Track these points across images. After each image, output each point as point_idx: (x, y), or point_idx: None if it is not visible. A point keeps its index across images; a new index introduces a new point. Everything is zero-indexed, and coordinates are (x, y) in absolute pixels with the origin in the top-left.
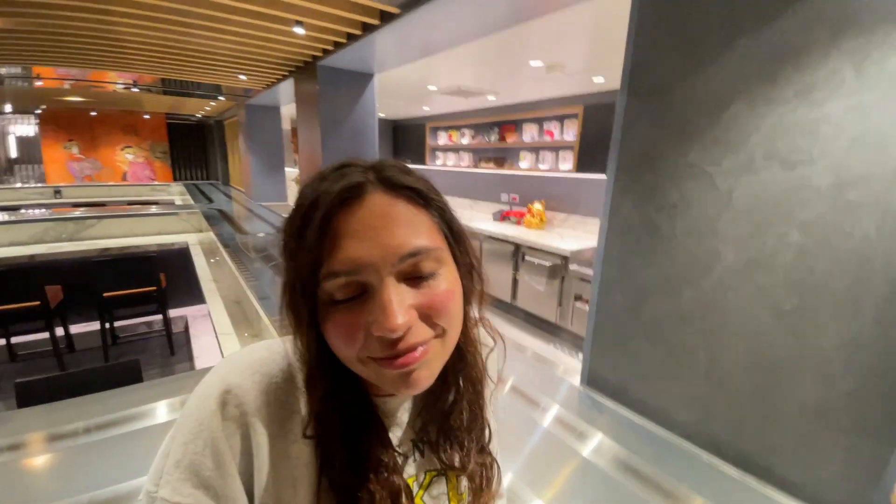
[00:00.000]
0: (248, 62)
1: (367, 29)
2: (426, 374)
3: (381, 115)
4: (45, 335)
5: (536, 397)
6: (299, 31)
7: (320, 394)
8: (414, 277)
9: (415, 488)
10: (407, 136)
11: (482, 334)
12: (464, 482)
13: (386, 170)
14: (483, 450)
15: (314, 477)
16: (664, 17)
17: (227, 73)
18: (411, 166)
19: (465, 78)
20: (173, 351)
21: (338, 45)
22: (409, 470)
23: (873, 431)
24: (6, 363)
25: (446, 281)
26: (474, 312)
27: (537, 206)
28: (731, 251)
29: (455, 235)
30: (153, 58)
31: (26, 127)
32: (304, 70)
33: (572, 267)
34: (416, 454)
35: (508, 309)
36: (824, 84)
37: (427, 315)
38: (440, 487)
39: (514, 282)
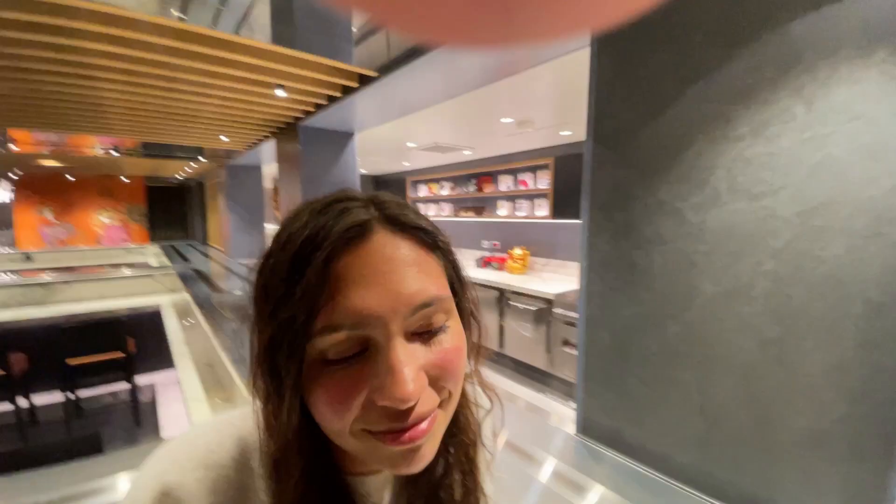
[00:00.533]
0: (230, 124)
1: (347, 91)
2: (430, 450)
3: (363, 170)
4: (9, 406)
5: (531, 451)
6: (281, 94)
7: (294, 480)
8: (423, 335)
9: None
10: (388, 190)
11: (478, 393)
12: None
13: (388, 206)
14: None
15: None
16: (621, 68)
17: (210, 135)
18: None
19: (441, 135)
20: (139, 421)
21: (319, 107)
22: None
23: (869, 456)
24: None
25: (454, 335)
26: (468, 366)
27: (518, 251)
28: (709, 283)
29: (460, 280)
30: (135, 121)
31: (1, 192)
32: (286, 131)
33: (557, 310)
34: None
35: (497, 358)
36: (777, 120)
37: (435, 377)
38: None
39: (501, 329)
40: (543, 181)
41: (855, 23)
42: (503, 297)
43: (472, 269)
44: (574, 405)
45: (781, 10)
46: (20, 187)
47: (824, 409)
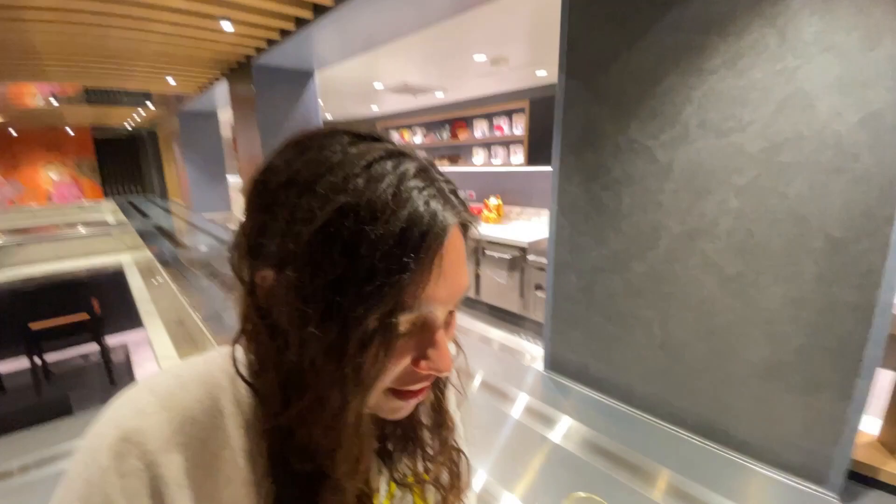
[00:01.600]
0: (175, 64)
1: (301, 24)
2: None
3: (328, 115)
4: None
5: (504, 388)
6: (227, 26)
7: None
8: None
9: (380, 499)
10: None
11: None
12: (429, 489)
13: (466, 211)
14: (446, 444)
15: None
16: None
17: (155, 77)
18: None
19: (410, 74)
20: (113, 380)
21: (271, 43)
22: (373, 482)
23: (826, 387)
24: None
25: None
26: None
27: (493, 200)
28: (676, 222)
29: None
30: (71, 63)
31: None
32: (238, 71)
33: (530, 257)
34: (379, 464)
35: (473, 304)
36: (749, 51)
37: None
38: (406, 496)
39: (477, 277)
40: (519, 126)
41: None
42: (479, 247)
43: None
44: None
45: None
46: None
47: (782, 341)
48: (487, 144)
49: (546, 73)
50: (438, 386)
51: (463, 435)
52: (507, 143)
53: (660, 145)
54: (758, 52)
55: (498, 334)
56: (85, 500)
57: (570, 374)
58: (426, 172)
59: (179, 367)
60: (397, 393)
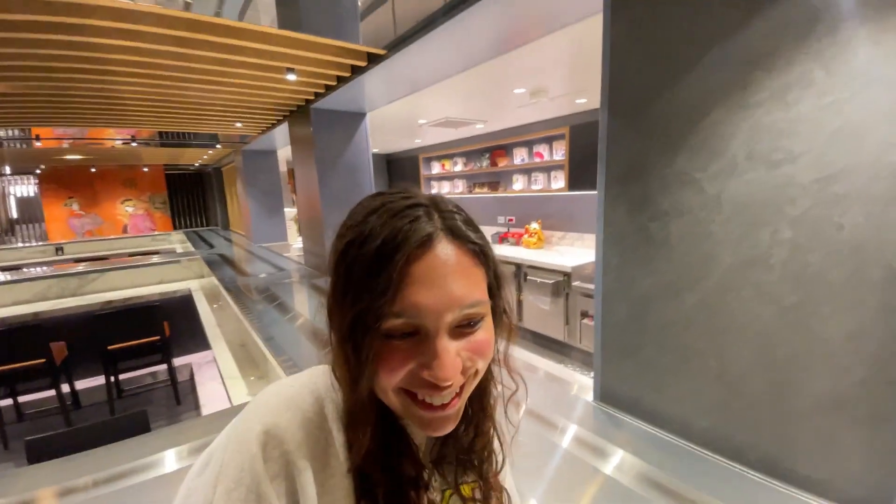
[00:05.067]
0: (243, 110)
1: (356, 71)
2: (453, 421)
3: (375, 150)
4: (52, 392)
5: (551, 418)
6: (291, 77)
7: (370, 428)
8: (463, 327)
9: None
10: (401, 168)
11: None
12: (477, 494)
13: (449, 218)
14: (499, 488)
15: None
16: (635, 35)
17: (224, 122)
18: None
19: (452, 109)
20: (179, 400)
21: (329, 88)
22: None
23: (889, 419)
24: (14, 423)
25: (486, 330)
26: (498, 354)
27: (534, 225)
28: (727, 253)
29: (500, 287)
30: (152, 113)
31: (26, 187)
32: (298, 113)
33: (575, 283)
34: (436, 475)
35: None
36: (797, 85)
37: (466, 359)
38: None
39: (519, 303)
40: (559, 152)
41: None
42: (521, 272)
43: None
44: (592, 374)
45: None
46: (45, 181)
47: (843, 373)
48: (527, 171)
49: (586, 100)
50: (491, 418)
51: (509, 467)
52: (547, 168)
53: (707, 177)
54: (804, 85)
55: (543, 363)
56: (237, 481)
57: (622, 406)
58: (419, 206)
59: (293, 380)
60: (414, 399)
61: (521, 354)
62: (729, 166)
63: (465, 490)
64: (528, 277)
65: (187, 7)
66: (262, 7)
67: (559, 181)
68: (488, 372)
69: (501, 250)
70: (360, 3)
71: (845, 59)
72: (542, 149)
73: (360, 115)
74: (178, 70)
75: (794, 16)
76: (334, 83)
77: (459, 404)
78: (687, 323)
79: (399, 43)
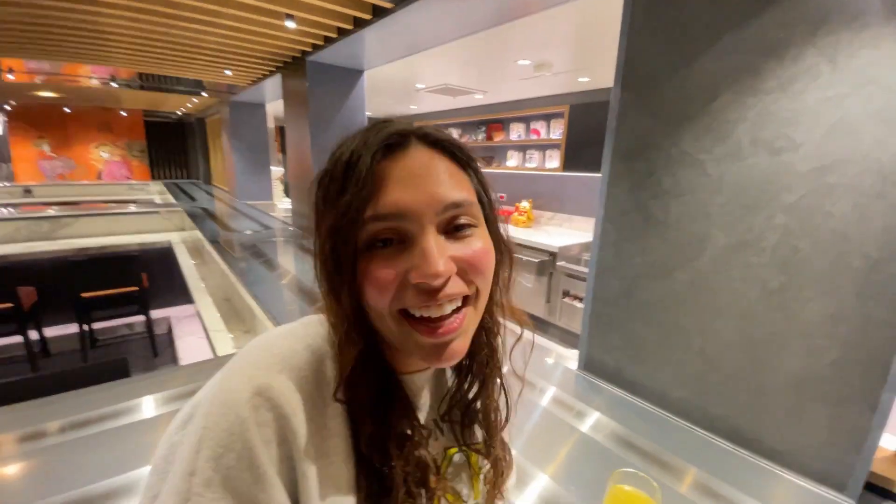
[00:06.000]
0: (234, 57)
1: (359, 24)
2: (461, 345)
3: (368, 113)
4: (18, 339)
5: (533, 380)
6: (290, 24)
7: (353, 356)
8: (452, 231)
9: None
10: None
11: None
12: (482, 462)
13: (425, 127)
14: (504, 443)
15: (352, 472)
16: (654, 13)
17: (213, 68)
18: None
19: (452, 76)
20: (157, 352)
21: (328, 41)
22: (431, 448)
23: (854, 399)
24: None
25: (482, 240)
26: (499, 296)
27: (524, 203)
28: (722, 234)
29: (489, 200)
30: (135, 51)
31: None
32: (293, 66)
33: (560, 263)
34: (437, 432)
35: None
36: (804, 76)
37: (464, 269)
38: (461, 464)
39: None
40: (557, 131)
41: None
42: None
43: None
44: (573, 350)
45: None
46: (14, 119)
47: (818, 354)
48: (523, 147)
49: (589, 79)
50: (499, 370)
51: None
52: (543, 147)
53: (712, 159)
54: (811, 77)
55: (525, 332)
56: (225, 446)
57: (604, 375)
58: (379, 123)
59: (289, 331)
60: (413, 324)
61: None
62: (733, 150)
63: (471, 454)
64: (514, 255)
65: None
66: None
67: (554, 160)
68: (493, 318)
69: None
70: None
71: (848, 57)
72: (540, 126)
73: (357, 73)
74: (166, 5)
75: (803, 12)
76: (335, 35)
77: (464, 325)
78: (675, 300)
79: None
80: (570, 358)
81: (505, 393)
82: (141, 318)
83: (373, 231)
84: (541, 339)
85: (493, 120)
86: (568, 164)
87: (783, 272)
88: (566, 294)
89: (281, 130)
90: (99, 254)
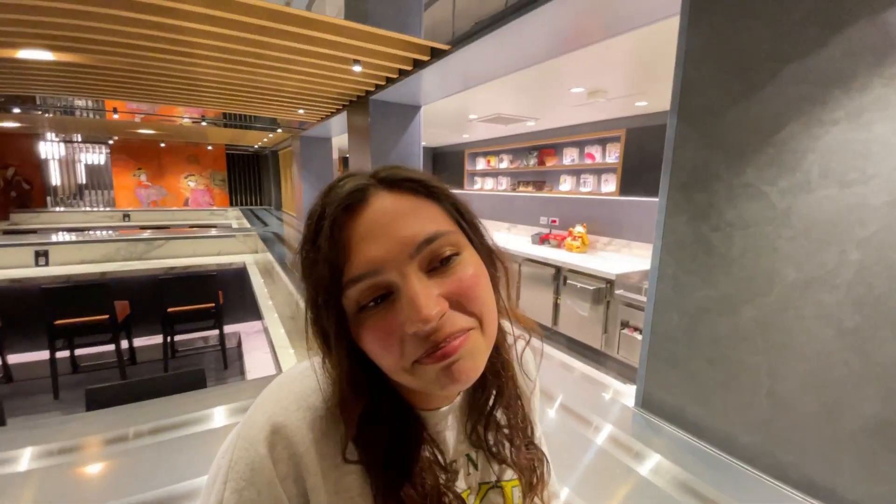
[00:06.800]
0: (307, 98)
1: (418, 65)
2: (470, 365)
3: (423, 143)
4: (110, 347)
5: (588, 416)
6: (357, 69)
7: (356, 415)
8: (436, 267)
9: (470, 500)
10: (446, 162)
11: (514, 328)
12: (517, 494)
13: (381, 171)
14: (531, 444)
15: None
16: (712, 43)
17: (288, 108)
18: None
19: (505, 105)
20: (226, 364)
21: (389, 81)
22: (462, 484)
23: None
24: (68, 374)
25: (470, 265)
26: (504, 302)
27: (579, 228)
28: (792, 269)
29: (467, 220)
30: (223, 95)
31: (97, 155)
32: (357, 104)
33: (618, 291)
34: (471, 467)
35: (550, 335)
36: (873, 107)
37: (459, 303)
38: (496, 499)
39: (556, 306)
40: (612, 155)
41: None
42: (560, 275)
43: (528, 246)
44: (632, 385)
45: None
46: (116, 152)
47: (893, 398)
48: (576, 172)
49: (647, 103)
50: (513, 378)
51: (540, 434)
52: (598, 170)
53: (778, 192)
54: (880, 108)
55: (579, 365)
56: (248, 480)
57: (663, 414)
58: (351, 175)
59: (304, 369)
60: (421, 363)
61: (555, 353)
62: (801, 182)
63: (507, 488)
64: (568, 281)
65: None
66: (329, 1)
67: (610, 185)
68: (501, 333)
69: (541, 251)
70: None
71: None
72: (595, 150)
73: (415, 108)
74: (253, 56)
75: (869, 41)
76: (395, 76)
77: (469, 346)
78: (741, 337)
79: (464, 39)
80: (628, 394)
81: (521, 403)
82: (215, 332)
83: (356, 295)
84: (596, 373)
85: (544, 146)
86: (625, 188)
87: (858, 311)
88: (625, 325)
89: (344, 161)
90: (183, 272)
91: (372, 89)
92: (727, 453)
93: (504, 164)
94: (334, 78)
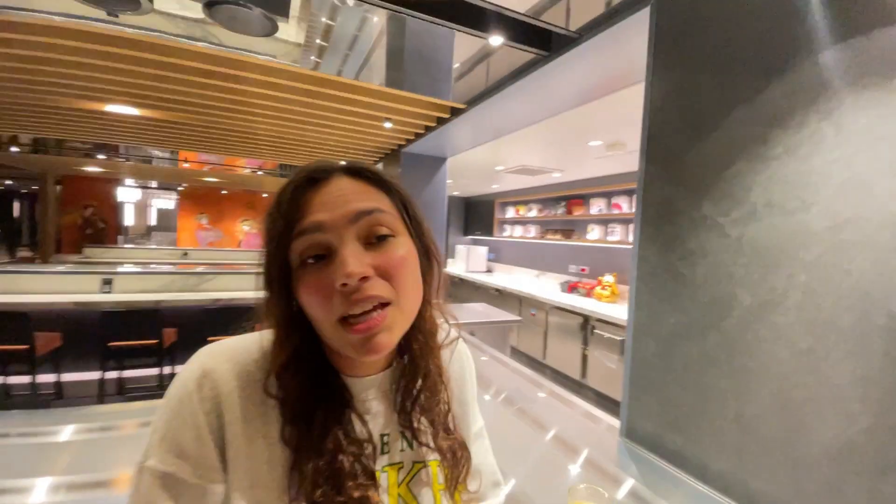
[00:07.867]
0: (347, 150)
1: (440, 121)
2: (386, 339)
3: (455, 192)
4: (154, 371)
5: (574, 444)
6: (388, 125)
7: (284, 356)
8: (373, 242)
9: (400, 476)
10: (478, 211)
11: (444, 327)
12: (441, 474)
13: (349, 164)
14: (448, 430)
15: (289, 457)
16: (672, 94)
17: (331, 159)
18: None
19: (529, 158)
20: None
21: (418, 135)
22: (396, 458)
23: (891, 469)
24: (113, 395)
25: (402, 248)
26: (433, 297)
27: (608, 278)
28: (747, 294)
29: (411, 216)
30: (277, 148)
31: (166, 200)
32: (390, 156)
33: None
34: (404, 443)
35: (578, 388)
36: (809, 141)
37: (384, 275)
38: (425, 478)
39: (584, 358)
40: None
41: (876, 53)
42: (587, 325)
43: (556, 294)
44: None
45: (812, 42)
46: (184, 197)
47: (851, 420)
48: (604, 221)
49: None
50: (436, 364)
51: (480, 427)
52: (626, 221)
53: (730, 222)
54: (816, 141)
55: (577, 400)
56: (176, 412)
57: (645, 443)
58: (317, 162)
59: (250, 336)
60: (347, 327)
61: (584, 406)
62: (749, 212)
63: (433, 467)
64: (595, 331)
65: (316, 66)
66: (374, 68)
67: None
68: (426, 320)
69: (569, 300)
70: (458, 65)
71: (852, 119)
72: (622, 200)
73: (441, 160)
74: (303, 115)
75: (805, 81)
76: (423, 131)
77: (388, 322)
78: (708, 361)
79: (477, 98)
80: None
81: (444, 391)
82: None
83: (300, 248)
84: (611, 419)
85: (572, 196)
86: None
87: (809, 332)
88: None
89: None
90: (228, 304)
91: (403, 143)
92: (703, 482)
93: (533, 213)
94: (370, 133)
